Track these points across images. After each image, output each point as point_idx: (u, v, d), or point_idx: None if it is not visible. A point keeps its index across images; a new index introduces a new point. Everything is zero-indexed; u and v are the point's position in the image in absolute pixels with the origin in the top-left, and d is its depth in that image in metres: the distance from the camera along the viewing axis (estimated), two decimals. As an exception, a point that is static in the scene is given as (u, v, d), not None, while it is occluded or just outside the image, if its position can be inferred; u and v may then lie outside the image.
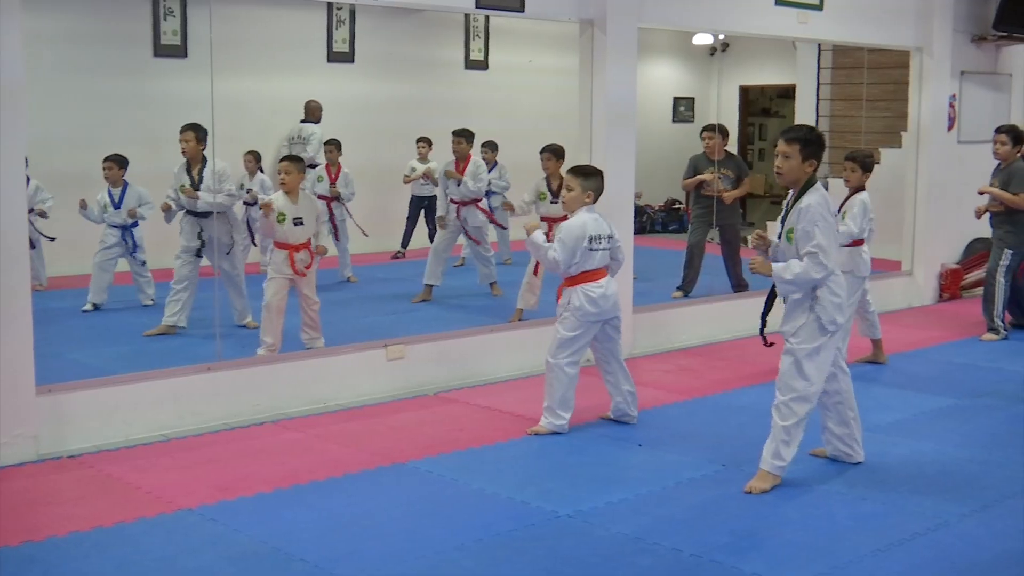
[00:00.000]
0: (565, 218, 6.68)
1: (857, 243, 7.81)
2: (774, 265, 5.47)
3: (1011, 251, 9.18)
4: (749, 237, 5.78)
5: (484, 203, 10.83)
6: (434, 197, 12.52)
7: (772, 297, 5.74)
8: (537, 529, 5.08)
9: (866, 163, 8.00)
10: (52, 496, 5.51)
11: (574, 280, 6.44)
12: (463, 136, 10.43)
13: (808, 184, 5.53)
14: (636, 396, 6.78)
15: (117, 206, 9.45)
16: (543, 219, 9.06)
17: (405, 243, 13.31)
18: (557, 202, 9.10)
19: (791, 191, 5.62)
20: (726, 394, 7.58)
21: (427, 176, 12.44)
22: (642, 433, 6.63)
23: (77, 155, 9.51)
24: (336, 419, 6.93)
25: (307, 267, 7.83)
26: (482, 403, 7.21)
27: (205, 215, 8.68)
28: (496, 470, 5.96)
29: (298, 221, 7.79)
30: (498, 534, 5.01)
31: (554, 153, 9.24)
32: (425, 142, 12.64)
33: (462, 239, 11.01)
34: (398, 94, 13.88)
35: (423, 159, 12.75)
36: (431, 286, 10.43)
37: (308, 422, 6.84)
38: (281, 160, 8.06)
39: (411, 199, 13.01)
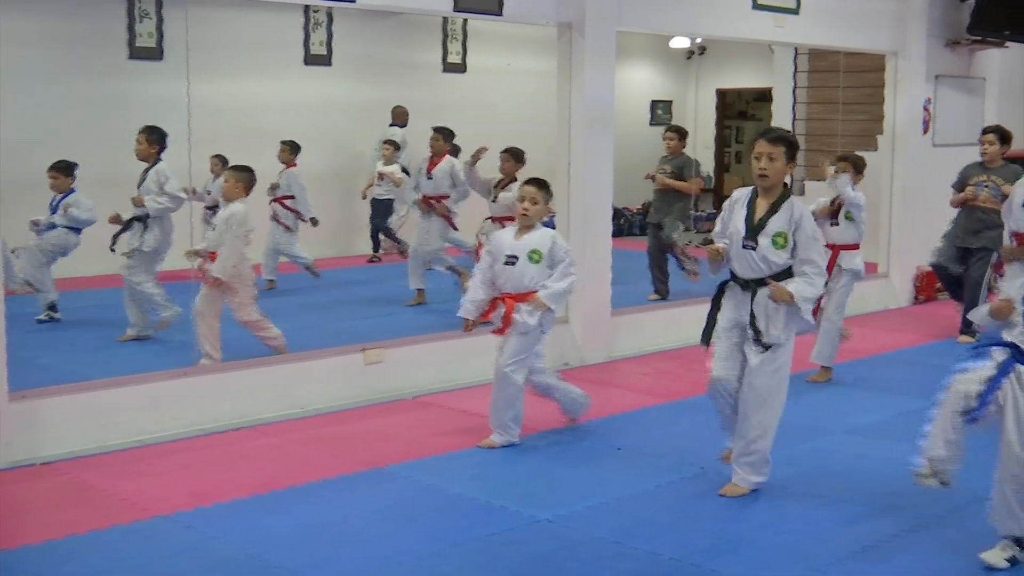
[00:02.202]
0: (511, 218, 6.60)
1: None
2: (791, 288, 5.35)
3: (997, 254, 9.18)
4: (706, 250, 5.68)
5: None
6: (391, 200, 12.56)
7: (718, 302, 5.68)
8: (516, 534, 5.06)
9: (858, 165, 8.00)
10: (25, 504, 5.46)
11: (531, 293, 6.34)
12: (441, 133, 10.44)
13: (786, 188, 5.51)
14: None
15: (53, 211, 9.34)
16: (490, 219, 9.24)
17: (376, 247, 13.29)
18: (498, 202, 9.35)
19: (747, 193, 5.56)
20: (704, 397, 7.53)
21: (382, 177, 12.41)
22: (621, 437, 6.62)
23: (50, 158, 9.42)
24: (314, 424, 6.90)
25: (206, 274, 7.58)
26: (461, 407, 7.19)
27: (147, 218, 8.59)
28: (475, 475, 5.94)
29: (211, 229, 7.70)
30: (477, 539, 4.99)
31: (513, 155, 9.32)
32: (391, 144, 12.58)
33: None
34: (376, 97, 13.84)
35: (388, 161, 12.76)
36: (422, 289, 10.41)
37: (286, 427, 6.81)
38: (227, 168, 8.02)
39: (372, 203, 13.00)
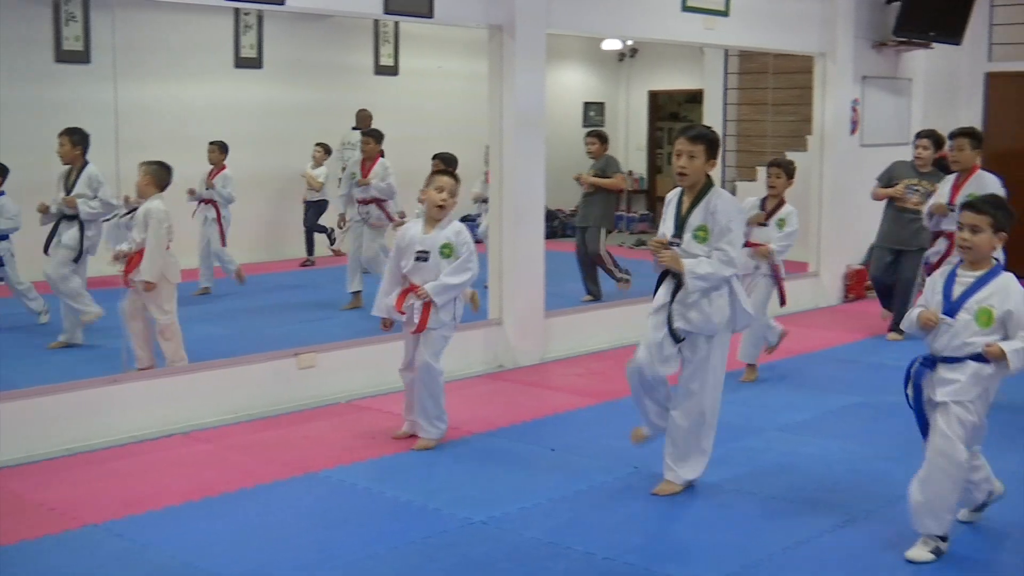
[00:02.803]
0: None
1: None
2: (686, 261, 5.37)
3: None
4: (649, 243, 5.72)
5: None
6: (324, 202, 12.54)
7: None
8: (450, 536, 5.07)
9: (790, 170, 8.04)
10: (-48, 514, 5.37)
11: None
12: (372, 136, 10.43)
13: (709, 184, 5.56)
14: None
15: None
16: None
17: (310, 250, 13.24)
18: None
19: (677, 192, 5.60)
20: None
21: (310, 183, 12.37)
22: (554, 438, 6.65)
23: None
24: (247, 429, 6.85)
25: (127, 277, 7.46)
26: (395, 410, 7.15)
27: (81, 220, 8.52)
28: (409, 477, 5.93)
29: (129, 227, 7.58)
30: (412, 542, 4.99)
31: (444, 161, 9.43)
32: (322, 147, 12.52)
33: None
34: (307, 100, 13.76)
35: (317, 164, 12.71)
36: (358, 292, 10.38)
37: (219, 433, 6.75)
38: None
39: (305, 205, 12.96)
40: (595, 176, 10.89)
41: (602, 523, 5.25)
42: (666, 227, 5.55)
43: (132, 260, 7.39)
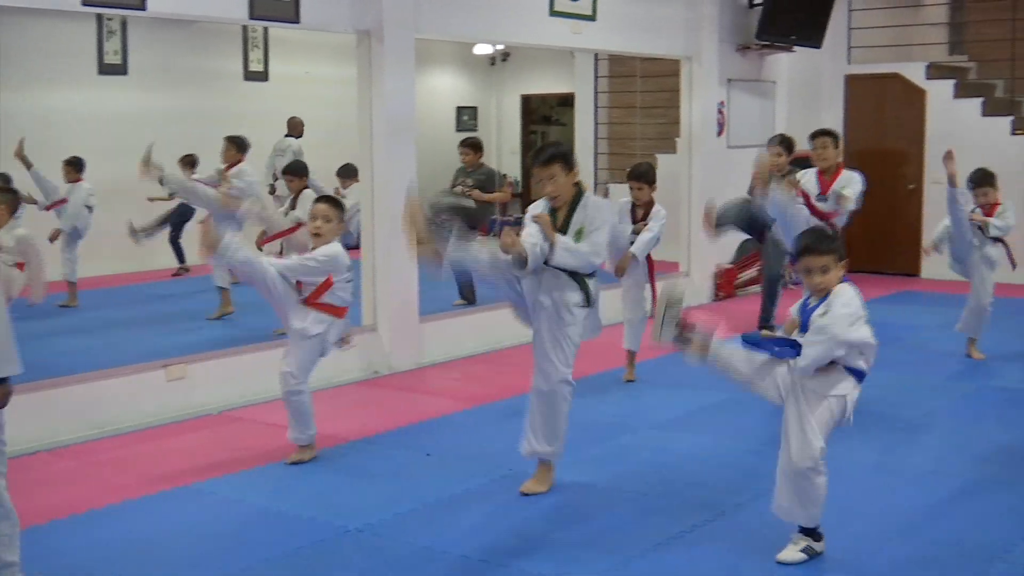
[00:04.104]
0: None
1: None
2: (560, 237, 5.44)
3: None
4: (502, 242, 5.74)
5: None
6: (190, 210, 12.38)
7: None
8: (326, 545, 5.02)
9: (650, 178, 8.11)
10: None
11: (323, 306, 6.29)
12: (233, 143, 10.29)
13: (581, 192, 5.63)
14: None
15: None
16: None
17: (181, 258, 13.01)
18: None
19: (545, 203, 5.64)
20: (513, 399, 7.63)
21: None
22: (430, 442, 6.64)
23: None
24: (114, 444, 6.69)
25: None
26: (267, 420, 7.08)
27: None
28: (283, 487, 5.87)
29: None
30: (286, 553, 4.94)
31: (294, 172, 9.59)
32: (186, 162, 12.21)
33: None
34: (175, 106, 13.52)
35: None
36: (226, 289, 10.20)
37: (84, 449, 6.59)
38: None
39: (167, 214, 12.77)
40: (476, 189, 10.86)
41: (478, 526, 5.26)
42: (536, 237, 5.58)
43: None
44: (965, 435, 6.80)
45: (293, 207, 9.47)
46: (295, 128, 13.41)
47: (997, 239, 8.63)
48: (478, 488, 5.80)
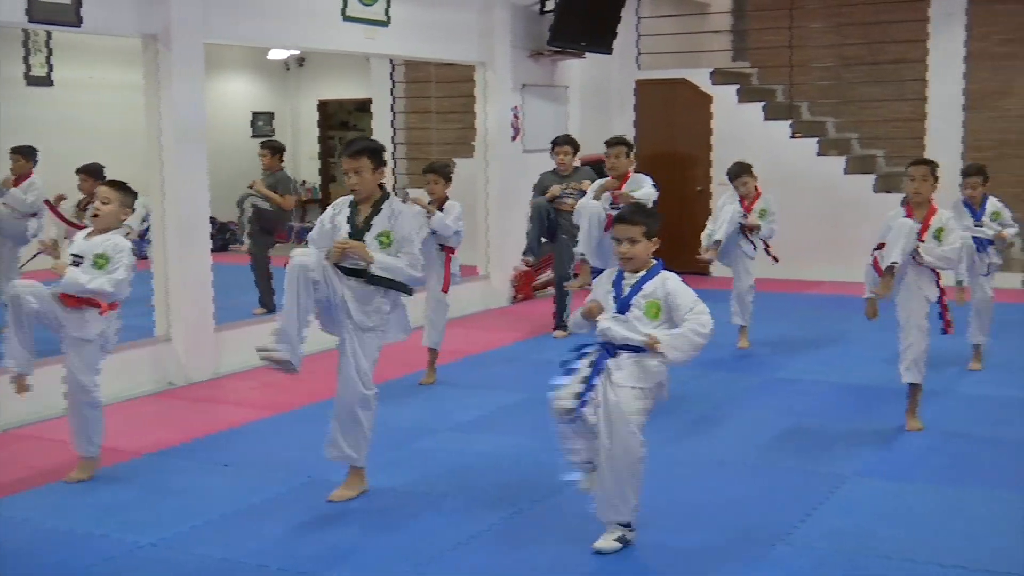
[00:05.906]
0: None
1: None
2: (375, 253, 5.45)
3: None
4: (333, 246, 5.70)
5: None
6: None
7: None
8: (117, 562, 4.90)
9: (445, 173, 8.23)
10: None
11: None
12: (21, 153, 9.92)
13: (386, 194, 5.65)
14: None
15: None
16: None
17: None
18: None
19: (347, 201, 5.66)
20: (313, 406, 7.59)
21: None
22: (227, 453, 6.55)
23: None
24: None
25: None
26: (57, 437, 6.82)
27: None
28: (71, 505, 5.67)
29: None
30: (75, 571, 4.79)
31: (89, 174, 9.36)
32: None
33: None
34: (-51, 114, 12.90)
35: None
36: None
37: None
38: None
39: None
40: (268, 189, 10.75)
41: (277, 535, 5.21)
42: (338, 235, 5.57)
43: None
44: (751, 425, 7.10)
45: (82, 208, 9.20)
46: None
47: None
48: (277, 497, 5.75)
